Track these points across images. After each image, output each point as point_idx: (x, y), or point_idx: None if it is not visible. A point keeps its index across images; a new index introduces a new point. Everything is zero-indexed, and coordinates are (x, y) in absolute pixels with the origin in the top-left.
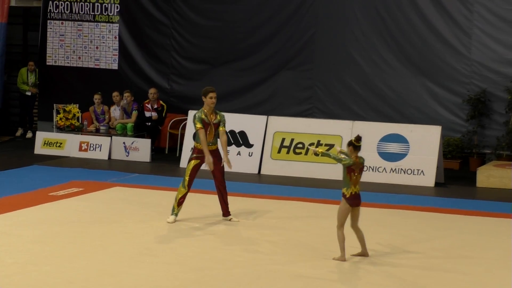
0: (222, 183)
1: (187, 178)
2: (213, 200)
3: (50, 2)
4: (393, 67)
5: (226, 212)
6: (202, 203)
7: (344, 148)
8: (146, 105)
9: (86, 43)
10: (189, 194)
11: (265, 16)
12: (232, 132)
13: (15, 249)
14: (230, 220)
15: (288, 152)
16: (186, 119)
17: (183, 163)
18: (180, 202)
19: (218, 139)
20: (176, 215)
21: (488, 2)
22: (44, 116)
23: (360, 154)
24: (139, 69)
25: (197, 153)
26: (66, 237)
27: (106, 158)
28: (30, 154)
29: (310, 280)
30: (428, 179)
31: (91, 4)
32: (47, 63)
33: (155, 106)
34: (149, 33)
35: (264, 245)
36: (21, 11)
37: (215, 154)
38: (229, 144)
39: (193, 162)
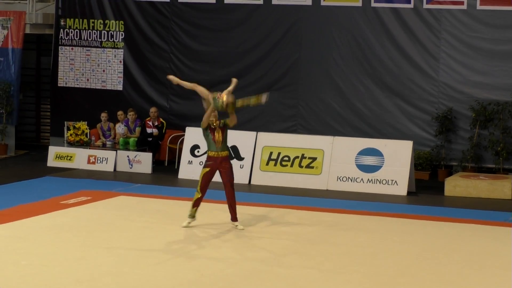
0: (230, 193)
1: (199, 183)
2: (208, 207)
3: (61, 29)
4: (369, 88)
5: (233, 218)
6: (198, 210)
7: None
8: (148, 122)
9: (94, 66)
10: (186, 202)
11: (253, 43)
12: None
13: (29, 252)
14: (236, 226)
15: (275, 165)
16: (183, 135)
17: (181, 174)
18: (194, 204)
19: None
20: (191, 216)
21: (454, 30)
22: (56, 132)
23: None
24: (141, 90)
25: (208, 160)
26: (75, 241)
27: (112, 170)
28: (43, 167)
29: (295, 279)
30: (401, 189)
31: (98, 31)
32: (59, 85)
33: (156, 123)
34: (150, 57)
35: (254, 248)
36: (35, 38)
37: (226, 160)
38: None
39: (203, 170)
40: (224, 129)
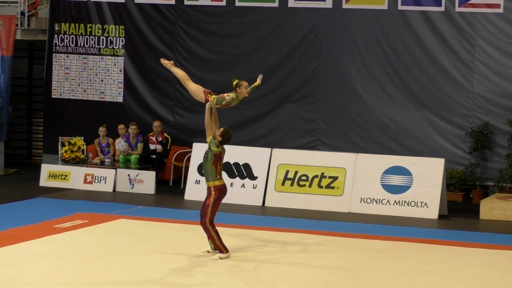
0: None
1: None
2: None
3: (56, 35)
4: (396, 100)
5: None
6: (204, 235)
7: None
8: (151, 137)
9: (91, 76)
10: (192, 226)
11: (268, 50)
12: (236, 164)
13: (18, 281)
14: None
15: (292, 185)
16: (190, 152)
17: (188, 195)
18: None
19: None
20: (213, 248)
21: (490, 36)
22: (49, 149)
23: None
24: (143, 101)
25: None
26: (70, 269)
27: (111, 190)
28: (35, 187)
29: None
30: (432, 212)
31: (96, 37)
32: (52, 96)
33: (160, 139)
34: (154, 66)
35: (268, 277)
36: (26, 45)
37: (207, 190)
38: (233, 176)
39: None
40: (205, 155)
